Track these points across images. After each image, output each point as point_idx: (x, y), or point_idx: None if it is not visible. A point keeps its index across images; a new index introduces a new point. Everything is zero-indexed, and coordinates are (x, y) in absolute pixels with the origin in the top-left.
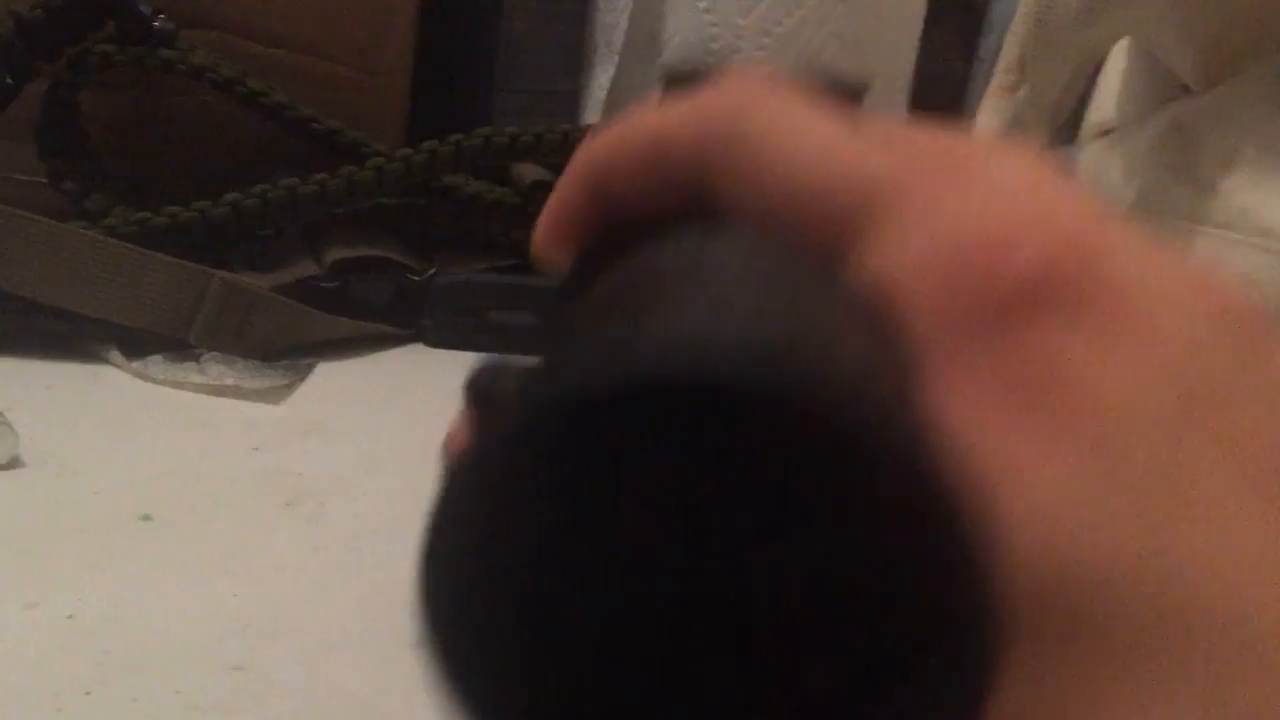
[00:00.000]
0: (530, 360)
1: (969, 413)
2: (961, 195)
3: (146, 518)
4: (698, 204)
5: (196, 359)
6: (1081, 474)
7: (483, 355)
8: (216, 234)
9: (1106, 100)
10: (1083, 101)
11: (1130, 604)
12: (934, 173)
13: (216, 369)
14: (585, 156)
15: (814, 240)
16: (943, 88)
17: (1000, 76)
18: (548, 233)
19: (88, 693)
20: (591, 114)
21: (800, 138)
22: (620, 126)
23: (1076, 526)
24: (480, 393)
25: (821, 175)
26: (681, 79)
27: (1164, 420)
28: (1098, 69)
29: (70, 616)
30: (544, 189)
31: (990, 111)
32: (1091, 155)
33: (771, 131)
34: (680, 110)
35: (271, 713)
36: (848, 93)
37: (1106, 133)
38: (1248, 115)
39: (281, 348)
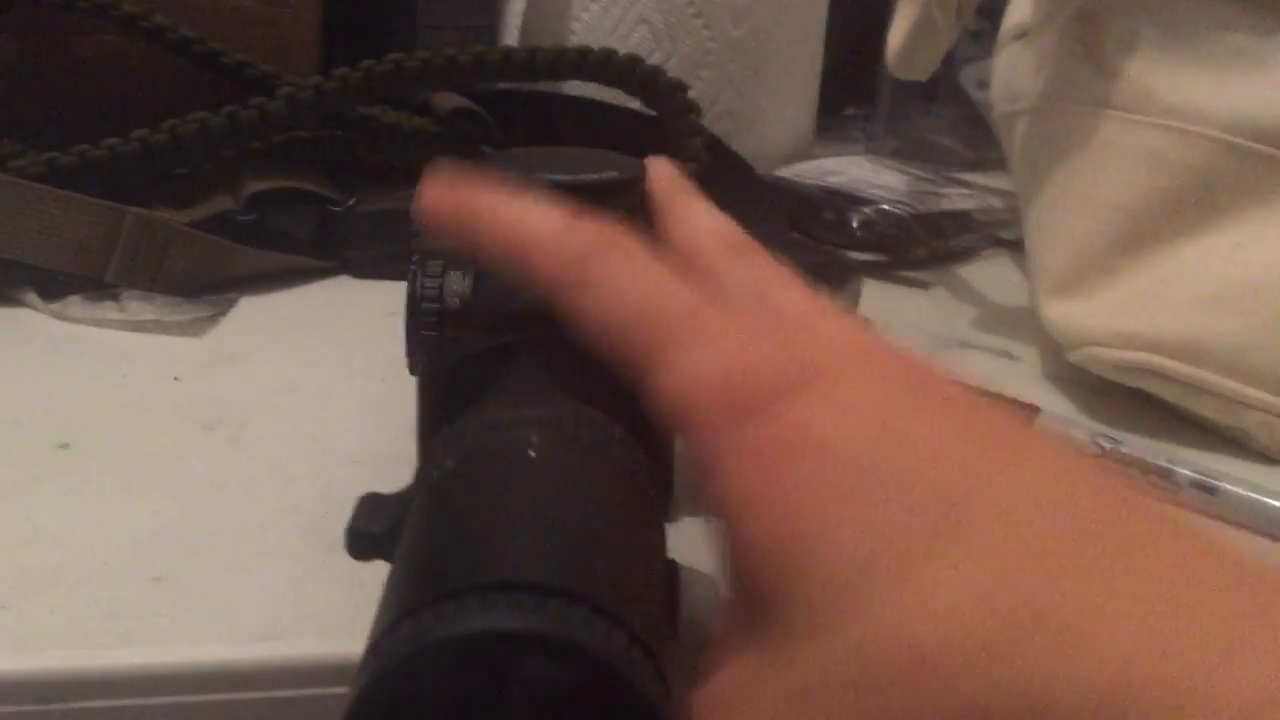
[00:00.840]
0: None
1: (750, 464)
2: (735, 325)
3: (64, 446)
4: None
5: (115, 298)
6: (824, 482)
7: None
8: (128, 171)
9: (1021, 3)
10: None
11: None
12: (722, 307)
13: (136, 306)
14: (475, 197)
15: (627, 366)
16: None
17: None
18: (428, 206)
19: (3, 607)
20: (509, 40)
21: (627, 291)
22: (508, 202)
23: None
24: (357, 535)
25: (636, 319)
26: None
27: (867, 440)
28: None
29: None
30: (463, 116)
31: (902, 16)
32: (1006, 57)
33: (607, 283)
34: (545, 239)
35: (191, 619)
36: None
37: (1021, 35)
38: None
39: (202, 283)
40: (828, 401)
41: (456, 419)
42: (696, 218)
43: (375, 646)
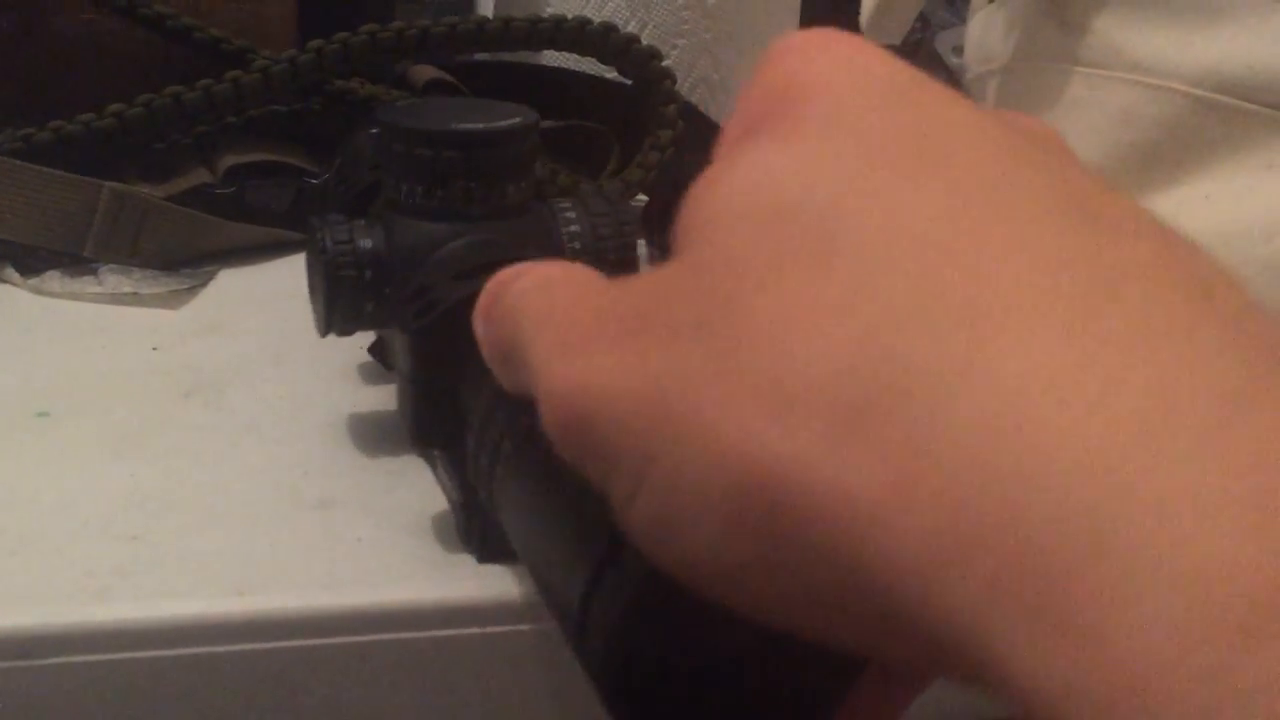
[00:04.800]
0: None
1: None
2: None
3: (43, 414)
4: None
5: (94, 272)
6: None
7: None
8: (104, 146)
9: None
10: None
11: None
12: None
13: (114, 279)
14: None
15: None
16: None
17: None
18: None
19: None
20: (484, 11)
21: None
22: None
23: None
24: None
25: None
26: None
27: (831, 192)
28: None
29: None
30: (439, 88)
31: None
32: (979, 22)
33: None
34: (489, 316)
35: (167, 575)
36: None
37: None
38: None
39: (181, 257)
40: (796, 134)
41: (475, 371)
42: None
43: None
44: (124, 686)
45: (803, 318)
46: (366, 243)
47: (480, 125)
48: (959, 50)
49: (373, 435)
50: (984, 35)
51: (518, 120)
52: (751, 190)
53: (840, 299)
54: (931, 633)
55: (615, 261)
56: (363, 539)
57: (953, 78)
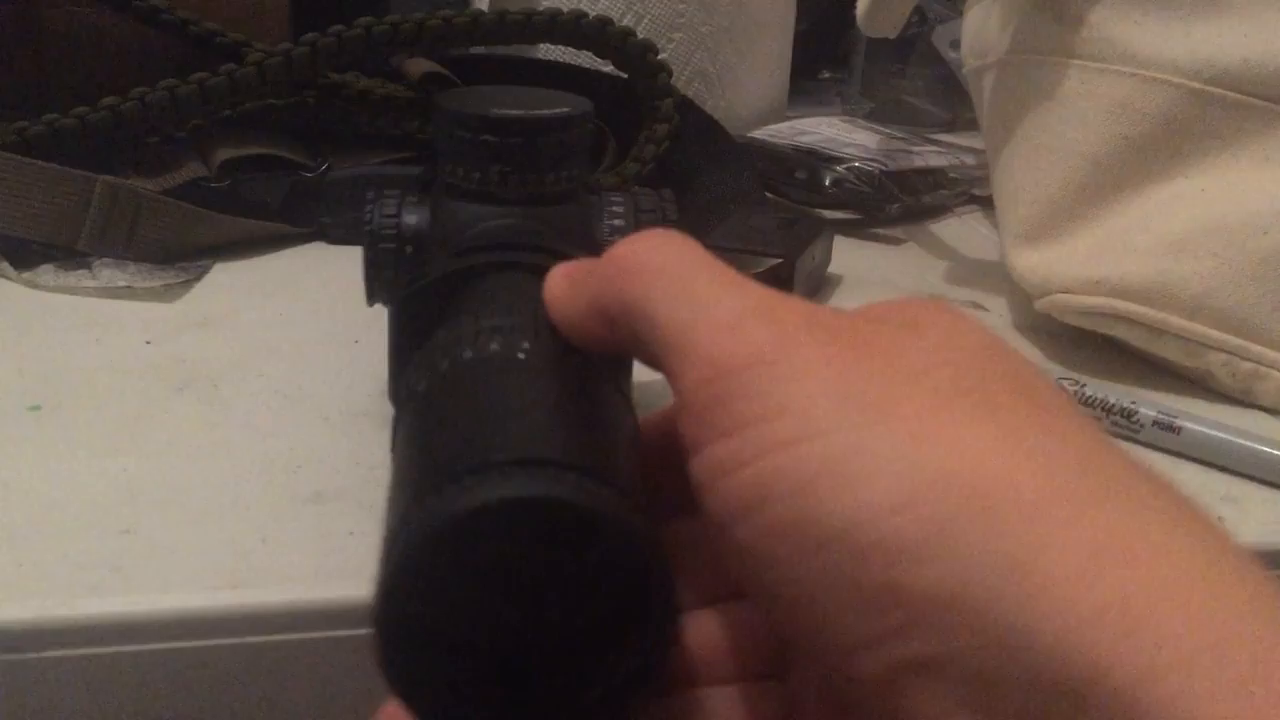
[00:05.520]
0: None
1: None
2: None
3: (36, 408)
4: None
5: (88, 266)
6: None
7: None
8: (99, 140)
9: None
10: None
11: None
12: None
13: (108, 273)
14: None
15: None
16: None
17: None
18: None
19: None
20: (480, 5)
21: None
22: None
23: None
24: None
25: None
26: None
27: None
28: None
29: None
30: (434, 81)
31: None
32: (975, 16)
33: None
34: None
35: (160, 569)
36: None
37: None
38: None
39: (175, 250)
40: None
41: (436, 332)
42: None
43: (400, 526)
44: (118, 680)
45: None
46: (411, 219)
47: (518, 112)
48: (956, 44)
49: (365, 429)
50: (980, 29)
51: (560, 110)
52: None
53: None
54: None
55: None
56: (354, 533)
57: (949, 73)
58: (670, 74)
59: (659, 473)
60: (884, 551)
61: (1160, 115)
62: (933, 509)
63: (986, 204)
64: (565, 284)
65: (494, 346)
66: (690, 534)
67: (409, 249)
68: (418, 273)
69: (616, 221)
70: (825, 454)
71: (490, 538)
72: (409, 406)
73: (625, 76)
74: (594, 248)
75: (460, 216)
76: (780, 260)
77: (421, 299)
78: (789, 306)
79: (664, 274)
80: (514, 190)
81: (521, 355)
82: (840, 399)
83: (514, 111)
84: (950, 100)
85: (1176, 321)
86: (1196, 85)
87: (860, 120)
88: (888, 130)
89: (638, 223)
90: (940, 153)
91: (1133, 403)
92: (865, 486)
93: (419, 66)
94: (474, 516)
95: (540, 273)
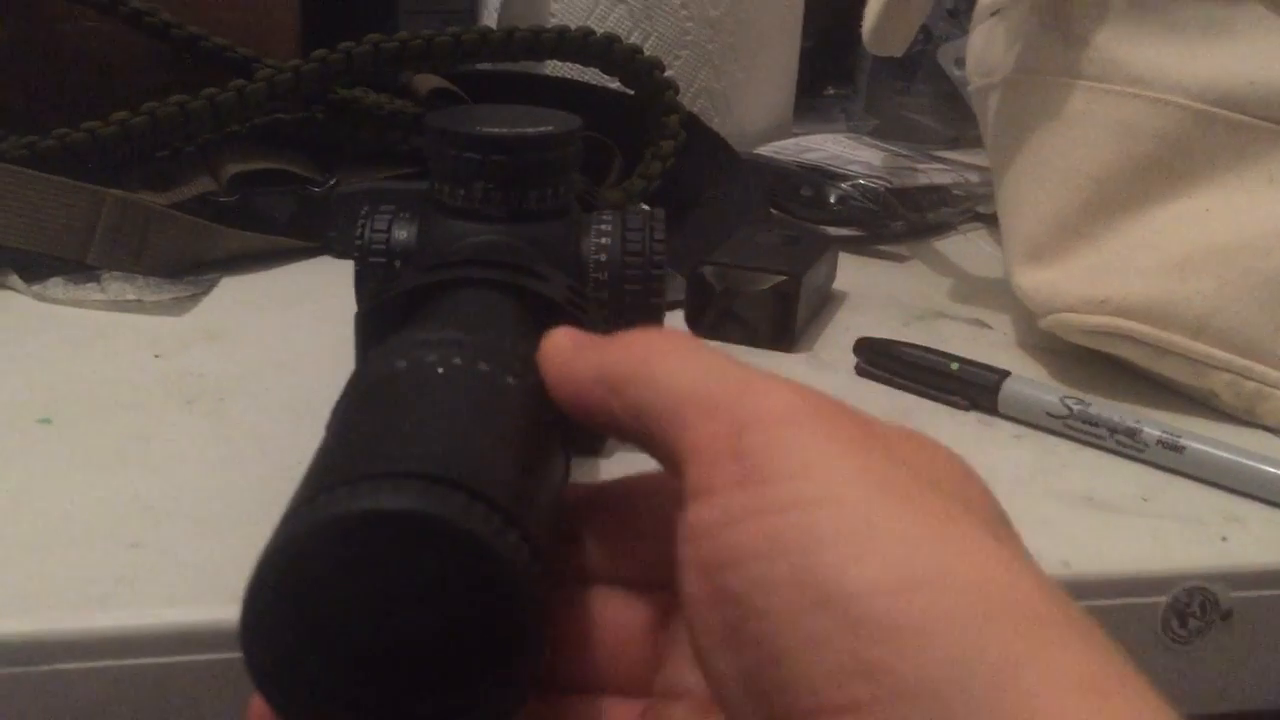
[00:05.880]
0: None
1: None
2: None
3: (46, 421)
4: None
5: (97, 279)
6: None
7: None
8: (109, 154)
9: None
10: None
11: None
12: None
13: (117, 286)
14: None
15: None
16: None
17: None
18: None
19: None
20: (488, 22)
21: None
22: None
23: None
24: None
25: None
26: None
27: None
28: None
29: None
30: (442, 97)
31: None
32: (980, 35)
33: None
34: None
35: (167, 582)
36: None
37: (996, 12)
38: None
39: (184, 264)
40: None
41: (387, 340)
42: None
43: (280, 525)
44: (125, 693)
45: None
46: (401, 234)
47: (501, 130)
48: (961, 62)
49: None
50: (985, 48)
51: (545, 128)
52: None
53: None
54: None
55: (635, 280)
56: None
57: (954, 90)
58: (677, 91)
59: (585, 529)
60: (876, 628)
61: (1165, 136)
62: (932, 599)
63: (990, 221)
64: (569, 345)
65: (416, 358)
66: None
67: (398, 264)
68: (389, 284)
69: (603, 240)
70: (840, 521)
71: (354, 547)
72: (336, 407)
73: (631, 93)
74: (578, 265)
75: (446, 232)
76: (786, 277)
77: (384, 311)
78: (809, 388)
79: (679, 348)
80: (497, 207)
81: (441, 370)
82: (861, 473)
83: (498, 129)
84: (954, 117)
85: (1180, 341)
86: (1201, 107)
87: (865, 137)
88: (892, 147)
89: (624, 241)
90: (945, 170)
91: (1137, 422)
92: (873, 562)
93: (427, 83)
94: (334, 525)
95: (503, 289)
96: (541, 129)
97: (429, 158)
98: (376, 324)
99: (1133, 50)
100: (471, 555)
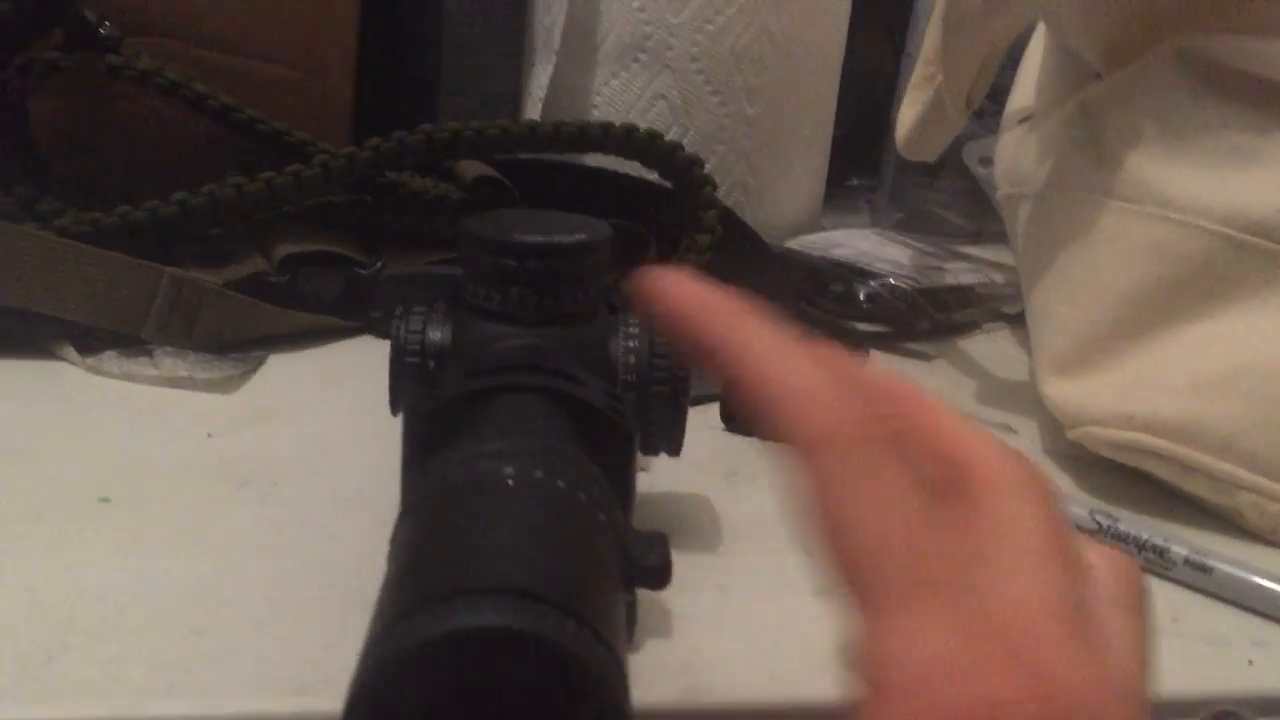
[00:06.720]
0: None
1: None
2: (960, 636)
3: (105, 500)
4: None
5: (150, 353)
6: None
7: None
8: (166, 232)
9: (1026, 89)
10: (1006, 92)
11: None
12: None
13: (169, 362)
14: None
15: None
16: (873, 84)
17: (921, 69)
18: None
19: (50, 658)
20: (532, 111)
21: (862, 512)
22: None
23: None
24: None
25: (859, 552)
26: None
27: None
28: (1018, 61)
29: (31, 590)
30: (487, 184)
31: (912, 102)
32: (1011, 141)
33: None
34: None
35: (231, 671)
36: None
37: (1025, 119)
38: (1148, 95)
39: (233, 341)
40: None
41: (439, 454)
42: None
43: (372, 645)
44: None
45: None
46: (435, 334)
47: (536, 238)
48: (986, 161)
49: None
50: (1016, 156)
51: (579, 237)
52: None
53: None
54: None
55: (662, 381)
56: None
57: (977, 187)
58: (715, 187)
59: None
60: None
61: (1194, 259)
62: None
63: (1014, 321)
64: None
65: (486, 470)
66: None
67: (431, 363)
68: (433, 389)
69: (631, 342)
70: None
71: (452, 663)
72: (403, 521)
73: (667, 185)
74: (607, 367)
75: (480, 334)
76: None
77: (432, 417)
78: None
79: None
80: (531, 311)
81: (512, 482)
82: None
83: (534, 237)
84: (978, 213)
85: (1206, 460)
86: (1230, 232)
87: (892, 233)
88: (919, 244)
89: (650, 346)
90: (970, 269)
91: (1165, 540)
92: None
93: (471, 169)
94: (436, 643)
95: (548, 394)
96: (576, 237)
97: (464, 261)
98: (425, 427)
99: (1164, 174)
100: (565, 670)
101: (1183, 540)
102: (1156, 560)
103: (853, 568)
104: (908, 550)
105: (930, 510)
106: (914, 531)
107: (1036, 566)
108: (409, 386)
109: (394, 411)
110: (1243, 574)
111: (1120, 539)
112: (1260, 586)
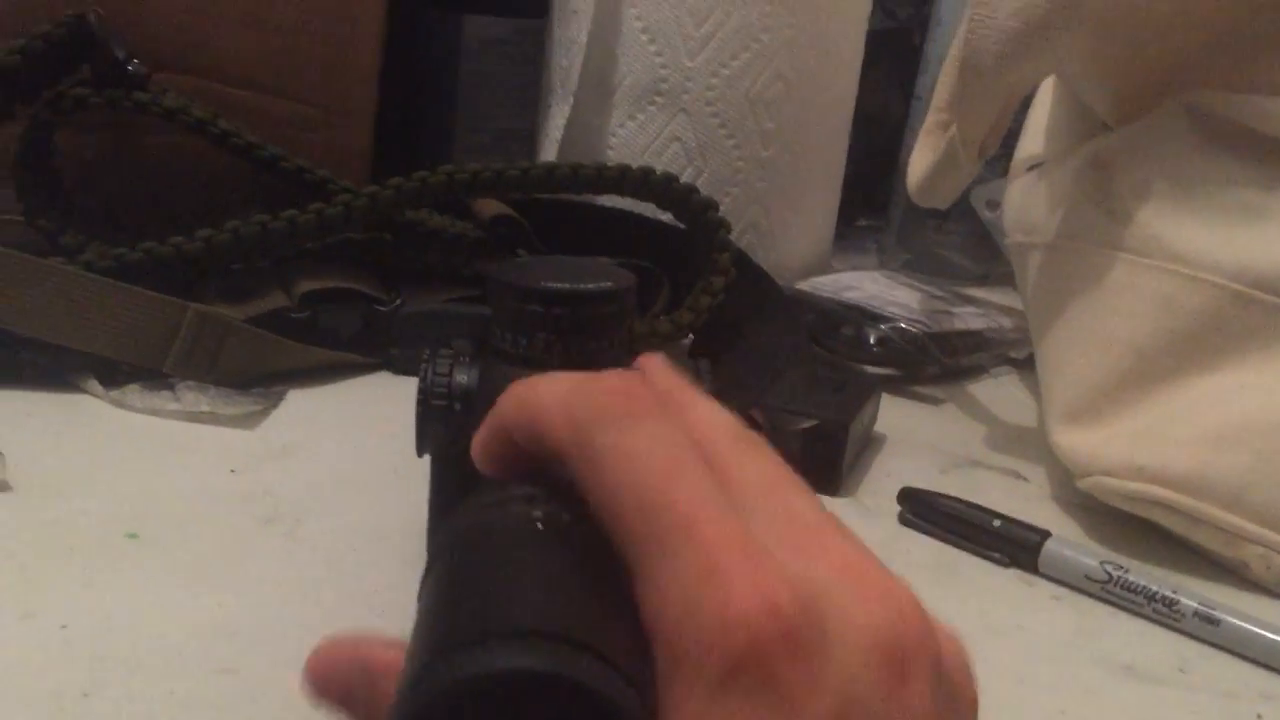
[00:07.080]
0: None
1: None
2: (724, 563)
3: (133, 535)
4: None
5: (172, 388)
6: None
7: None
8: (190, 268)
9: (1035, 136)
10: (1014, 137)
11: None
12: (725, 518)
13: (191, 396)
14: (499, 411)
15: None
16: (881, 125)
17: (934, 115)
18: (478, 452)
19: (85, 694)
20: (548, 151)
21: (633, 470)
22: (518, 400)
23: None
24: None
25: (635, 508)
26: None
27: None
28: (1026, 107)
29: (64, 626)
30: (504, 223)
31: (924, 149)
32: (1020, 188)
33: (613, 455)
34: (550, 402)
35: (261, 710)
36: None
37: (1034, 167)
38: (1158, 150)
39: (254, 376)
40: (788, 700)
41: (467, 497)
42: (700, 409)
43: (405, 689)
44: None
45: None
46: (462, 378)
47: (563, 285)
48: (993, 204)
49: None
50: (1026, 204)
51: (604, 284)
52: None
53: None
54: None
55: None
56: None
57: (984, 230)
58: (729, 230)
59: None
60: None
61: (1203, 312)
62: None
63: (1021, 365)
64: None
65: (515, 513)
66: None
67: (458, 406)
68: (460, 433)
69: None
70: None
71: (485, 706)
72: (433, 566)
73: (680, 226)
74: None
75: (506, 378)
76: (833, 422)
77: (459, 460)
78: None
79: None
80: (557, 357)
81: (540, 525)
82: None
83: (560, 284)
84: (985, 256)
85: (1214, 513)
86: (1238, 287)
87: (901, 276)
88: (927, 287)
89: None
90: (979, 314)
91: (1174, 591)
92: None
93: (489, 208)
94: (470, 684)
95: None
96: (601, 285)
97: (491, 306)
98: (452, 470)
99: (1174, 229)
100: (596, 715)
101: (1192, 592)
102: (1166, 612)
103: (628, 511)
104: (684, 477)
105: None
106: (686, 458)
107: None
108: (435, 429)
109: (420, 453)
110: (1251, 627)
111: (1130, 590)
112: (1268, 640)
